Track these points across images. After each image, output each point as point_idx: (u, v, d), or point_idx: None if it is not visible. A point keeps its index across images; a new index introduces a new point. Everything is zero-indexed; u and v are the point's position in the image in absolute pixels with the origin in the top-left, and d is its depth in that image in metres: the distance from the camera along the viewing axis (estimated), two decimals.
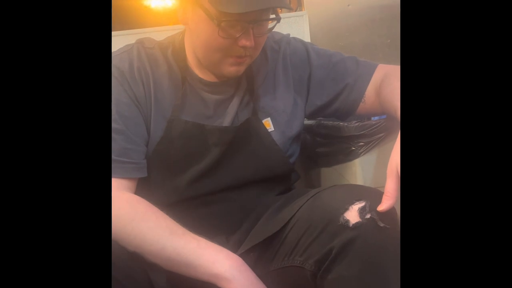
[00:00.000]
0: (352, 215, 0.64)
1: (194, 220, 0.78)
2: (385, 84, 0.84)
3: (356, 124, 0.83)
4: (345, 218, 0.64)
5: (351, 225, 0.63)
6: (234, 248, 0.78)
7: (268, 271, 0.75)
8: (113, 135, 0.76)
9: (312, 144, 1.00)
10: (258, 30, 0.77)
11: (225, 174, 0.83)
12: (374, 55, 1.49)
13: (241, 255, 0.74)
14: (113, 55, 0.83)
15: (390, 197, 0.64)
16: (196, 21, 0.78)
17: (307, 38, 1.33)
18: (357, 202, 0.65)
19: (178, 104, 0.82)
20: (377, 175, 0.81)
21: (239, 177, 0.84)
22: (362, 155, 0.81)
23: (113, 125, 0.77)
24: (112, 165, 0.74)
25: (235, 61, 0.79)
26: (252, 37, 0.76)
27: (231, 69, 0.80)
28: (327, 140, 0.93)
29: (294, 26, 1.34)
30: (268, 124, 0.86)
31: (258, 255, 0.77)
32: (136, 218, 0.71)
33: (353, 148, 0.82)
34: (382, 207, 0.64)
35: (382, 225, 0.63)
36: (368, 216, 0.63)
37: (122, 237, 0.70)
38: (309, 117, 0.95)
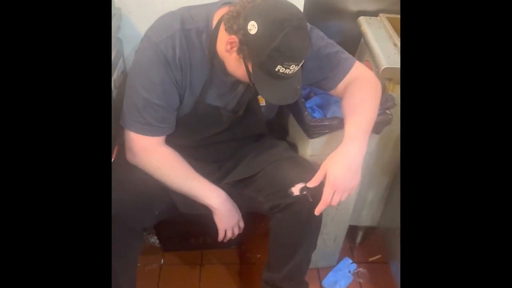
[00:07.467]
0: (295, 189, 1.09)
1: (200, 153, 1.22)
2: (348, 90, 1.15)
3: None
4: (291, 190, 1.09)
5: (293, 195, 1.09)
6: (223, 175, 1.24)
7: (241, 193, 1.22)
8: (156, 107, 1.05)
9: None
10: None
11: (225, 135, 1.21)
12: None
13: (225, 183, 1.21)
14: (158, 37, 1.01)
15: (324, 203, 1.05)
16: (237, 64, 0.99)
17: None
18: (300, 183, 1.08)
19: (205, 88, 1.09)
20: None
21: (234, 136, 1.24)
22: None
23: (156, 100, 1.04)
24: (154, 128, 1.08)
25: None
26: None
27: None
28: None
29: None
30: (261, 99, 1.20)
31: (235, 182, 1.23)
32: (167, 166, 1.14)
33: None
34: (317, 209, 1.06)
35: (311, 200, 1.08)
36: (304, 192, 1.08)
37: (159, 177, 1.13)
38: None
